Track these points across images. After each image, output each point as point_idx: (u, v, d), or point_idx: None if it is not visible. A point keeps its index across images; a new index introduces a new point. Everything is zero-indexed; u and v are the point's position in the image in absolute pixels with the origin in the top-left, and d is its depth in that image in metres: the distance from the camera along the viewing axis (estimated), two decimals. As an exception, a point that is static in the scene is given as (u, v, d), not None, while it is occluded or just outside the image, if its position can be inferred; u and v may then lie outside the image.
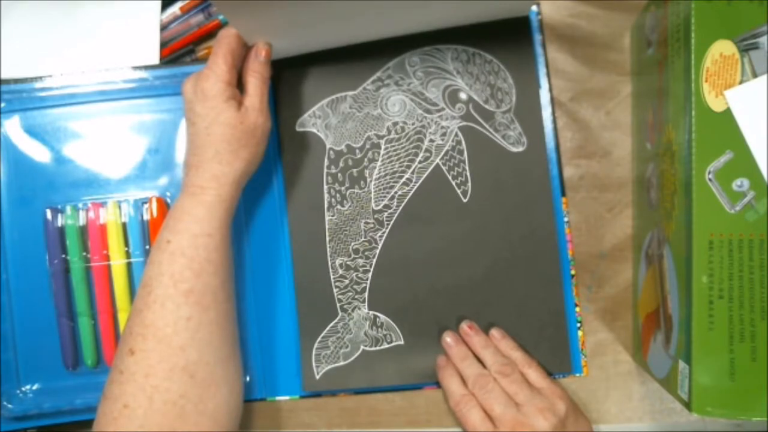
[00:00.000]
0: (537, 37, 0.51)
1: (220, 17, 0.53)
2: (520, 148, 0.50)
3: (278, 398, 0.52)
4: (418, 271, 0.51)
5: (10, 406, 0.50)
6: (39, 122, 0.52)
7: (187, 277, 0.41)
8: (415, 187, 0.51)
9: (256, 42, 0.45)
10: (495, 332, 0.49)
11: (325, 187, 0.51)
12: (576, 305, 0.51)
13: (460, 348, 0.48)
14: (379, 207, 0.51)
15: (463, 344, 0.49)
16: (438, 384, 0.50)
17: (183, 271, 0.41)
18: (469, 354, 0.48)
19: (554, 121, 0.51)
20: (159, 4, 0.53)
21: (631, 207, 0.52)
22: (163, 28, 0.53)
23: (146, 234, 0.51)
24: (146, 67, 0.52)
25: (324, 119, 0.52)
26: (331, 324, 0.51)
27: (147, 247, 0.51)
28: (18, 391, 0.51)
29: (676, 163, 0.41)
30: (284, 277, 0.52)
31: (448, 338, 0.49)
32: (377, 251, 0.51)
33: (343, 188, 0.51)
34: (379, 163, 0.51)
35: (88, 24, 0.53)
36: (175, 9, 0.53)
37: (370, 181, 0.51)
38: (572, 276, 0.51)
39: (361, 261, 0.51)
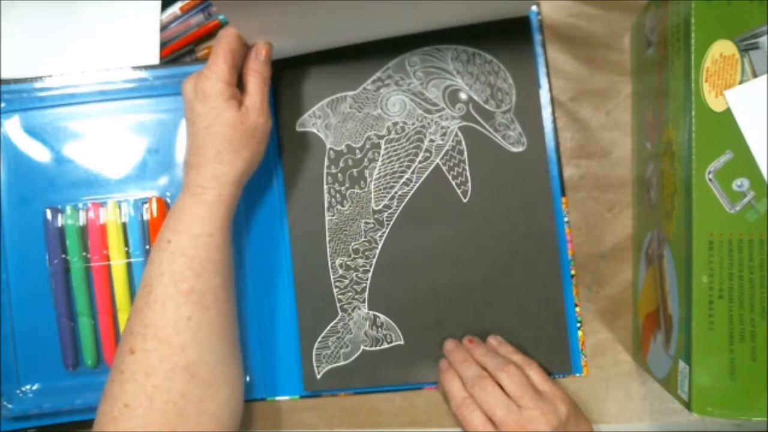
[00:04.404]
0: (537, 37, 0.51)
1: (220, 17, 0.53)
2: (520, 148, 0.50)
3: (278, 398, 0.52)
4: (418, 271, 0.51)
5: (10, 406, 0.50)
6: (39, 122, 0.52)
7: (188, 276, 0.41)
8: (415, 187, 0.51)
9: (256, 42, 0.45)
10: (492, 340, 0.49)
11: (325, 187, 0.51)
12: (576, 305, 0.51)
13: (460, 352, 0.48)
14: (379, 207, 0.51)
15: (463, 348, 0.49)
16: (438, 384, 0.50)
17: (184, 270, 0.41)
18: (468, 357, 0.48)
19: (554, 121, 0.51)
20: (159, 4, 0.53)
21: (631, 207, 0.52)
22: (163, 28, 0.53)
23: (146, 234, 0.51)
24: (146, 67, 0.52)
25: (324, 119, 0.52)
26: (331, 324, 0.51)
27: (147, 247, 0.51)
28: (18, 391, 0.51)
29: (676, 163, 0.41)
30: (284, 277, 0.52)
31: (448, 344, 0.49)
32: (377, 251, 0.51)
33: (343, 188, 0.51)
34: (379, 163, 0.51)
35: (88, 24, 0.53)
36: (175, 9, 0.53)
37: (370, 181, 0.51)
38: (572, 276, 0.51)
39: (361, 261, 0.51)
